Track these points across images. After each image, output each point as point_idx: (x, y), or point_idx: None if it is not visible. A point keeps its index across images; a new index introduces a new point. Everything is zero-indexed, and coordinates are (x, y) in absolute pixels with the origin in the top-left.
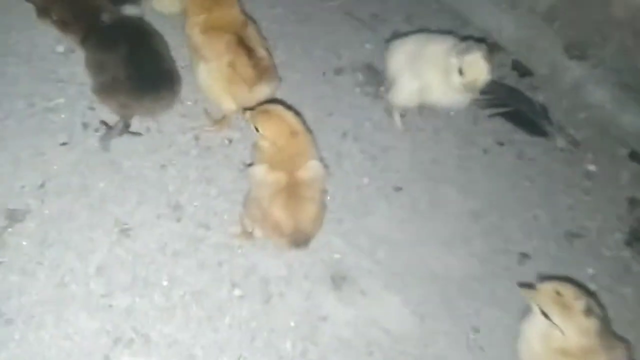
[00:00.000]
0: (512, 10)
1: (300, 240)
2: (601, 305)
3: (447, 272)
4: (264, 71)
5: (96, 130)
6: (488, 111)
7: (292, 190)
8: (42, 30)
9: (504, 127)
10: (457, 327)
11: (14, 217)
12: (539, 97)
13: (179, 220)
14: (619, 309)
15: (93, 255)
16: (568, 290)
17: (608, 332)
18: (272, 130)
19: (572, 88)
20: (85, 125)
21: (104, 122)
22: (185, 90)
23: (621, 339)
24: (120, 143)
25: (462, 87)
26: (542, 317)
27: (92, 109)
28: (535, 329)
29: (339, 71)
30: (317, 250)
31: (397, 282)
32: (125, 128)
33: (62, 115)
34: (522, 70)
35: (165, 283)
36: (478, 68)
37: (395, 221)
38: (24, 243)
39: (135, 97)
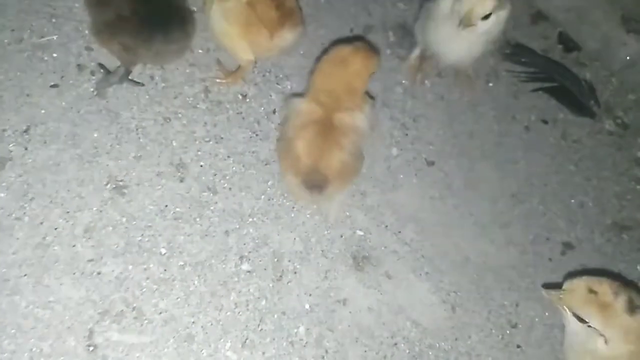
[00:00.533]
0: None
1: (315, 182)
2: None
3: (482, 259)
4: (287, 14)
5: (92, 73)
6: (530, 85)
7: (324, 129)
8: None
9: (547, 103)
10: (492, 321)
11: None
12: (586, 75)
13: (182, 180)
14: None
15: (81, 214)
16: (603, 286)
17: None
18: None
19: (625, 66)
20: (80, 68)
21: (102, 66)
22: (195, 37)
23: None
24: (119, 91)
25: (461, 23)
26: (577, 324)
27: (89, 49)
28: (574, 340)
29: (368, 29)
30: (337, 225)
31: (426, 266)
32: (126, 75)
33: (54, 54)
34: (568, 45)
35: (163, 251)
36: None
37: (426, 199)
38: (2, 195)
39: (143, 38)
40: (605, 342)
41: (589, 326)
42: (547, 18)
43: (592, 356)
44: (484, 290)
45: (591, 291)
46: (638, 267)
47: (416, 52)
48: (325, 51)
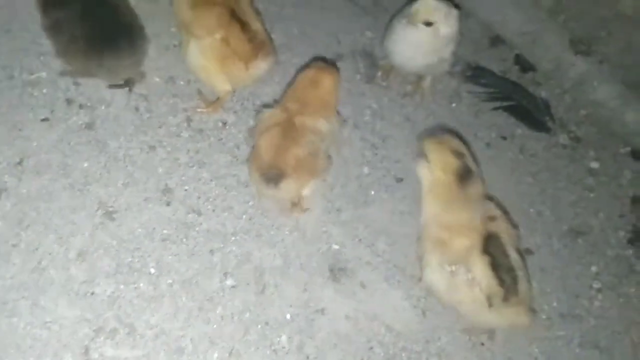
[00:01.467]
0: (517, 3)
1: (271, 176)
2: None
3: None
4: (260, 46)
5: (81, 107)
6: (490, 105)
7: (285, 130)
8: (26, 1)
9: (506, 121)
10: (459, 323)
11: None
12: (541, 93)
13: (168, 204)
14: (623, 308)
15: (74, 239)
16: (454, 140)
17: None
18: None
19: (575, 84)
20: (68, 102)
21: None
22: (177, 69)
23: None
24: (106, 122)
25: (407, 22)
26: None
27: (76, 84)
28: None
29: (338, 57)
30: (314, 240)
31: (398, 275)
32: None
33: (44, 90)
34: (525, 65)
35: (152, 270)
36: (422, 2)
37: (396, 213)
38: None
39: (93, 57)
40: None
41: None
42: (505, 41)
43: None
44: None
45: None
46: (592, 269)
47: (387, 60)
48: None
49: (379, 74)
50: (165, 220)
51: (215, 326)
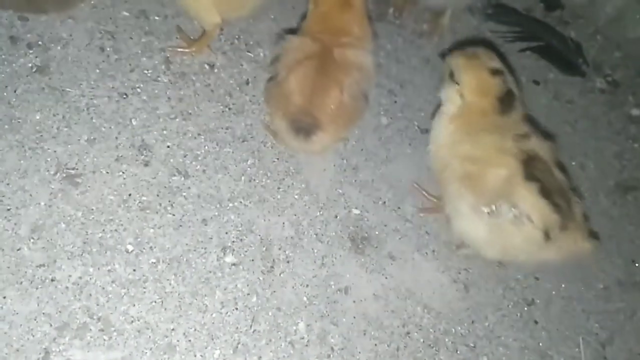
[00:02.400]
0: None
1: (304, 125)
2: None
3: None
4: None
5: (30, 47)
6: (517, 46)
7: (322, 66)
8: None
9: (536, 63)
10: (507, 299)
11: None
12: (570, 33)
13: (146, 164)
14: None
15: (26, 211)
16: (488, 53)
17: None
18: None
19: (610, 20)
20: (13, 40)
21: None
22: (149, 2)
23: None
24: (63, 65)
25: None
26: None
27: (23, 19)
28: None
29: None
30: (329, 205)
31: (431, 243)
32: None
33: None
34: (551, 3)
35: (130, 248)
36: None
37: (424, 169)
38: None
39: None
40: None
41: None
42: None
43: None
44: (496, 266)
45: (475, 55)
46: None
47: None
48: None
49: (391, 10)
50: (143, 185)
51: (214, 315)
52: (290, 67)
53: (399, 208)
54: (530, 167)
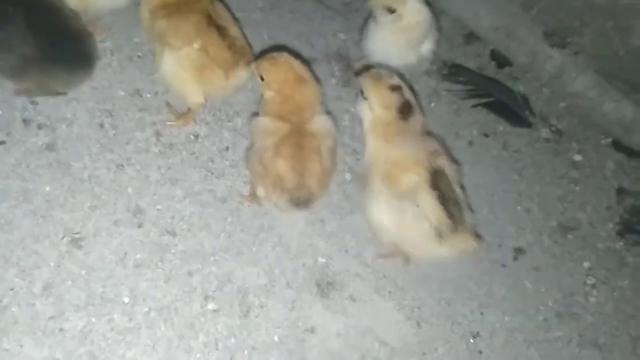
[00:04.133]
0: None
1: (302, 198)
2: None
3: (440, 273)
4: (240, 53)
5: (40, 127)
6: (470, 102)
7: (297, 142)
8: None
9: (487, 118)
10: (455, 332)
11: None
12: (519, 88)
13: (140, 226)
14: (619, 302)
15: (39, 271)
16: (389, 73)
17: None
18: (278, 77)
19: (553, 77)
20: (26, 122)
21: None
22: (143, 82)
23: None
24: (68, 142)
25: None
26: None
27: (34, 103)
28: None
29: (312, 61)
30: (299, 255)
31: (388, 285)
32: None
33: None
34: (501, 61)
35: (126, 300)
36: None
37: None
38: None
39: (50, 73)
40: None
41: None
42: (479, 38)
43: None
44: (445, 303)
45: (379, 75)
46: (584, 264)
47: (363, 61)
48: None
49: (354, 76)
50: (137, 244)
51: (198, 355)
52: (273, 149)
53: (360, 255)
54: (436, 179)
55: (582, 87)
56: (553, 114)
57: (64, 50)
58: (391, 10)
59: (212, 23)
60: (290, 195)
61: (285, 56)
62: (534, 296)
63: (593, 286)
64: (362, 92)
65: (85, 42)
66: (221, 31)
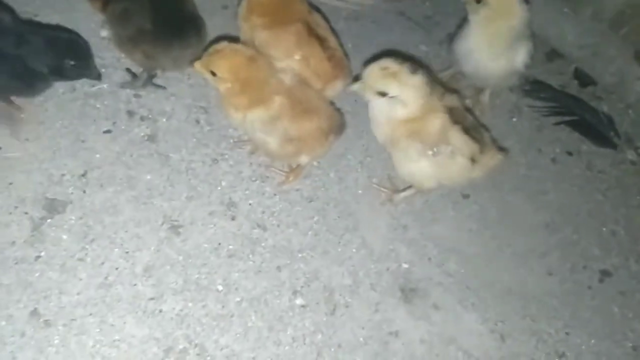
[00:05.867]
0: (575, 16)
1: (337, 124)
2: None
3: (524, 289)
4: (339, 64)
5: (142, 119)
6: (552, 119)
7: (292, 106)
8: (85, 14)
9: (570, 136)
10: (540, 350)
11: (54, 207)
12: (603, 108)
13: (233, 218)
14: None
15: (140, 254)
16: (390, 62)
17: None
18: (230, 65)
19: (639, 99)
20: (130, 113)
21: (129, 70)
22: None
23: None
24: (167, 134)
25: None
26: (380, 101)
27: (137, 96)
28: (379, 114)
29: None
30: (382, 259)
31: (472, 297)
32: (150, 80)
33: (106, 102)
34: (584, 79)
35: (220, 288)
36: None
37: (464, 230)
38: (64, 237)
39: (163, 47)
40: (404, 104)
41: (390, 97)
42: (562, 55)
43: (395, 122)
44: (530, 319)
45: (383, 69)
46: None
47: (449, 72)
48: None
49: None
50: (230, 236)
51: (287, 348)
52: (284, 130)
53: (442, 264)
54: (453, 115)
55: None
56: (639, 137)
57: (177, 28)
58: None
59: (313, 33)
60: (330, 131)
61: (225, 44)
62: (621, 321)
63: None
64: (381, 93)
65: (197, 25)
66: (322, 42)
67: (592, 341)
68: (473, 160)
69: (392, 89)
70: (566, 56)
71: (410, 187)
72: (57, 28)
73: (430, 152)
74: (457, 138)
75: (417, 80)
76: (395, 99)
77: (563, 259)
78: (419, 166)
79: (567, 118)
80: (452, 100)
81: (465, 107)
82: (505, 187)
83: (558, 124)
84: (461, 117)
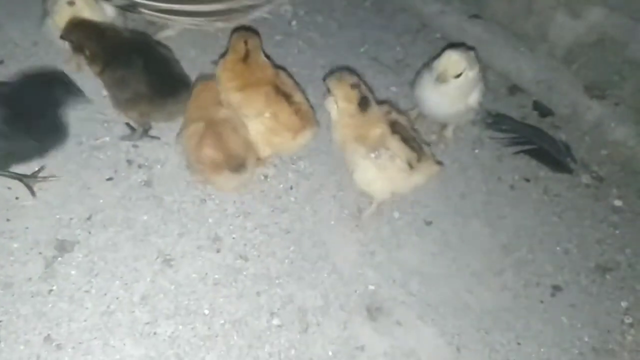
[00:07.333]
0: (531, 54)
1: (237, 164)
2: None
3: (480, 304)
4: (305, 116)
5: (140, 167)
6: (512, 149)
7: (212, 131)
8: (89, 75)
9: (528, 164)
10: (493, 359)
11: (64, 247)
12: (561, 136)
13: (218, 251)
14: None
15: (137, 285)
16: (350, 74)
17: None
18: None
19: (593, 126)
20: (129, 162)
21: (128, 125)
22: None
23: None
24: (162, 179)
25: (437, 81)
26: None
27: (135, 146)
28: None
29: None
30: (351, 282)
31: (431, 313)
32: (145, 132)
33: (108, 153)
34: (543, 111)
35: (206, 312)
36: (446, 59)
37: (427, 254)
38: (73, 272)
39: (158, 105)
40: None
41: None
42: (522, 89)
43: (343, 127)
44: (484, 332)
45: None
46: (622, 304)
47: (415, 111)
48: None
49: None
50: (216, 266)
51: None
52: (195, 147)
53: (406, 285)
54: (394, 127)
55: (623, 136)
56: (594, 161)
57: (170, 88)
58: (458, 75)
59: (280, 92)
60: (226, 168)
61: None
62: (570, 331)
63: (631, 325)
64: (328, 90)
65: (186, 82)
66: (287, 98)
67: (542, 350)
68: (410, 165)
69: (333, 90)
70: (526, 90)
71: (370, 204)
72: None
73: (372, 155)
74: (395, 144)
75: (349, 92)
76: (332, 100)
77: (517, 276)
78: (364, 167)
79: (526, 147)
80: (398, 117)
81: (411, 127)
82: (467, 213)
83: (517, 152)
84: (402, 130)
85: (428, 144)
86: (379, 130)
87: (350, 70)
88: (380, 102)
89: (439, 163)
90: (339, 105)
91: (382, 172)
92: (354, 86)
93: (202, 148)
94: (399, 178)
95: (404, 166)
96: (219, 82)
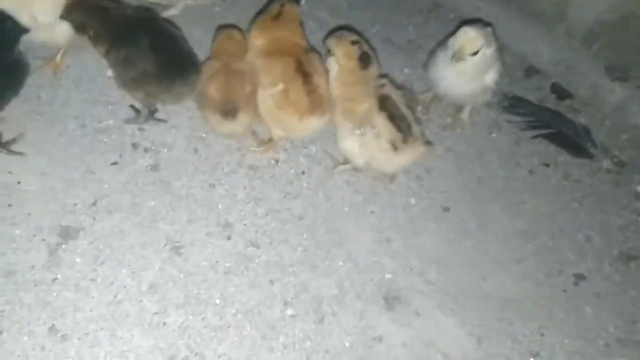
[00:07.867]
0: (549, 34)
1: (228, 110)
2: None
3: (501, 293)
4: (317, 101)
5: (146, 150)
6: (530, 133)
7: (224, 73)
8: (93, 55)
9: (547, 148)
10: (515, 350)
11: (68, 234)
12: (580, 120)
13: (228, 238)
14: None
15: (145, 273)
16: (349, 33)
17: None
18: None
19: (614, 109)
20: (135, 146)
21: (133, 107)
22: None
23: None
24: (169, 164)
25: (453, 59)
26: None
27: (141, 129)
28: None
29: None
30: (367, 270)
31: (450, 302)
32: (152, 115)
33: (113, 136)
34: (561, 93)
35: (217, 301)
36: (462, 36)
37: (445, 241)
38: (78, 260)
39: (165, 85)
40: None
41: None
42: (539, 71)
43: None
44: (506, 322)
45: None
46: None
47: (429, 94)
48: None
49: (419, 107)
50: (227, 254)
51: (279, 354)
52: (207, 80)
53: (424, 273)
54: (383, 103)
55: None
56: (615, 146)
57: (179, 68)
58: (475, 53)
59: (300, 69)
60: (219, 110)
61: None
62: (594, 321)
63: None
64: (329, 50)
65: (195, 62)
66: (305, 77)
67: (566, 341)
68: (395, 146)
69: (332, 47)
70: (543, 72)
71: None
72: None
73: (357, 132)
74: (381, 123)
75: (349, 48)
76: (333, 60)
77: (539, 264)
78: (349, 142)
79: (544, 131)
80: (392, 93)
81: (406, 104)
82: (484, 199)
83: (535, 137)
84: (391, 106)
85: (420, 123)
86: (366, 105)
87: (350, 29)
88: (379, 76)
89: (428, 143)
90: (339, 62)
91: (365, 149)
92: (354, 42)
93: (209, 84)
94: (381, 157)
95: (387, 147)
96: (249, 38)
